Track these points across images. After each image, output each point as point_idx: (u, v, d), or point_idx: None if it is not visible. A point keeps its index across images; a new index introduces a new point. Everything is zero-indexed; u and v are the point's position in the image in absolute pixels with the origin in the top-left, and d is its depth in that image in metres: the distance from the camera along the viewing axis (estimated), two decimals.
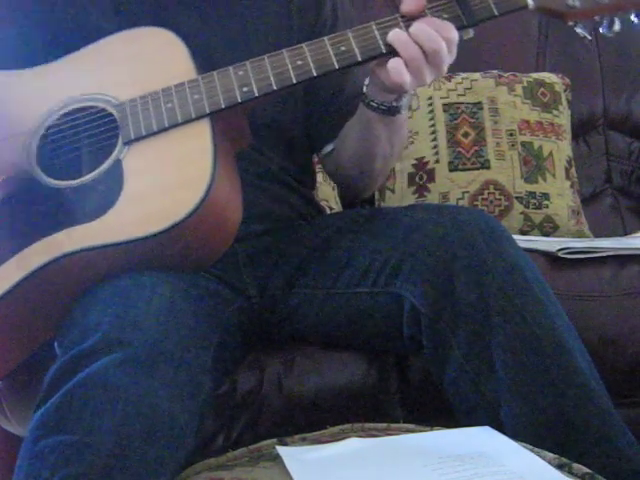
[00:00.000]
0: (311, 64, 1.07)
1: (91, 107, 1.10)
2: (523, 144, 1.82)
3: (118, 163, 1.05)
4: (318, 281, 1.18)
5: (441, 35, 1.03)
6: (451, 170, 1.80)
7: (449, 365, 1.05)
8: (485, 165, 1.80)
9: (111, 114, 1.09)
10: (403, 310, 1.09)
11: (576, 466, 0.87)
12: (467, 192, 1.79)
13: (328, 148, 1.30)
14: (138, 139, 1.06)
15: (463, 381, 1.04)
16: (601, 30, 1.09)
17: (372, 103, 1.14)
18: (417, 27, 1.04)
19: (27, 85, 1.16)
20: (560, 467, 0.87)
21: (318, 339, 1.23)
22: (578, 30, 1.09)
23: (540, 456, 0.87)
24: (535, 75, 1.91)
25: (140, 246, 0.99)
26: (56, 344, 1.00)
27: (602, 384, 1.03)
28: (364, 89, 1.14)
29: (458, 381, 1.05)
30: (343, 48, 1.07)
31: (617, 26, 1.08)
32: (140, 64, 1.13)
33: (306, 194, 1.32)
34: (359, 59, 1.07)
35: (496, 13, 1.06)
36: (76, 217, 1.02)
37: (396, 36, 1.05)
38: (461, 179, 1.80)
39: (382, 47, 1.07)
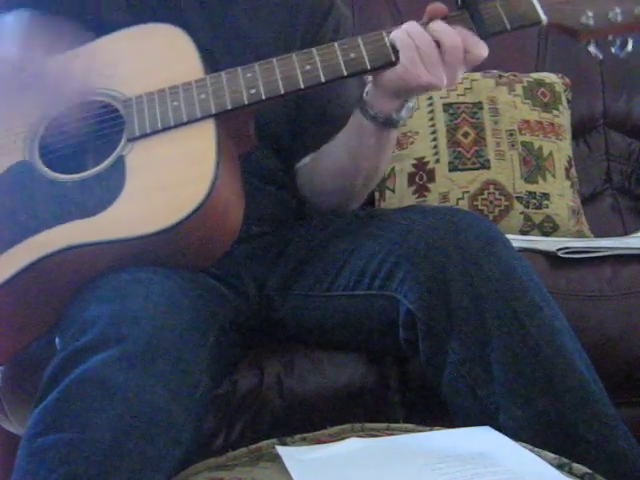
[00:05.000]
0: (320, 70, 1.06)
1: (98, 101, 1.10)
2: (523, 144, 1.82)
3: (121, 159, 1.05)
4: (315, 283, 1.18)
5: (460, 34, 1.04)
6: (451, 170, 1.80)
7: (445, 370, 1.05)
8: (485, 165, 1.80)
9: (117, 110, 1.09)
10: (399, 313, 1.09)
11: (576, 466, 0.87)
12: (467, 192, 1.78)
13: (306, 160, 1.28)
14: (142, 136, 1.06)
15: (459, 386, 1.04)
16: (613, 50, 1.08)
17: (370, 111, 1.12)
18: (435, 24, 1.06)
19: None
20: (560, 467, 0.87)
21: (316, 341, 1.22)
22: (591, 49, 1.08)
23: (540, 456, 0.87)
24: (535, 75, 1.91)
25: (140, 243, 0.99)
26: (57, 340, 1.01)
27: (601, 385, 1.03)
28: (364, 96, 1.13)
29: (454, 386, 1.04)
30: (353, 55, 1.07)
31: (630, 46, 1.07)
32: (149, 61, 1.12)
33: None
34: (368, 67, 1.07)
35: (508, 27, 1.06)
36: (76, 212, 1.02)
37: (405, 29, 1.05)
38: (461, 179, 1.79)
39: (392, 55, 1.06)
